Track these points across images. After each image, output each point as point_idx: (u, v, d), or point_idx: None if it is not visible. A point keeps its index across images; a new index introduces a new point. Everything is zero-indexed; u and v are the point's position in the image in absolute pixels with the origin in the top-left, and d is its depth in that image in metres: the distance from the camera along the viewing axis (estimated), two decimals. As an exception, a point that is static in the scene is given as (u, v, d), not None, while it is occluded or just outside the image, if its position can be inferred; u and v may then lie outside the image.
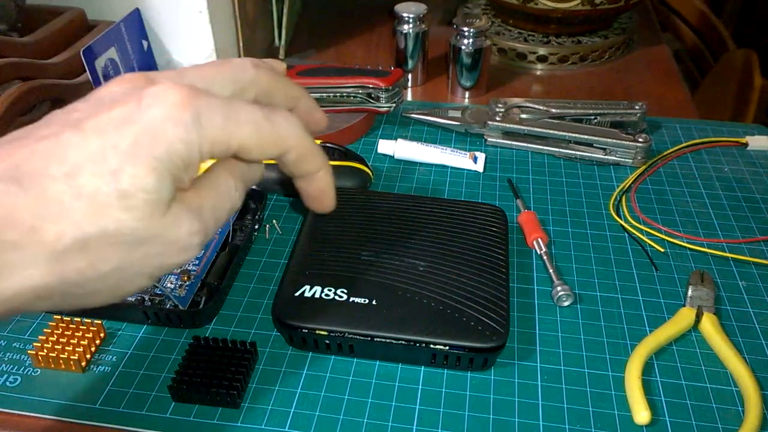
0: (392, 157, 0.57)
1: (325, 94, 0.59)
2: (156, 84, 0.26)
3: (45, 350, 0.38)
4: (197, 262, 0.44)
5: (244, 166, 0.30)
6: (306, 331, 0.38)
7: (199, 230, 0.26)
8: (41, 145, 0.24)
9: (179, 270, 0.44)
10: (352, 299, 0.39)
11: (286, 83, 0.31)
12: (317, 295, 0.39)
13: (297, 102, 0.32)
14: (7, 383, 0.38)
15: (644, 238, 0.48)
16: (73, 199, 0.23)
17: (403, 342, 0.37)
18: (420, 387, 0.38)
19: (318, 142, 0.53)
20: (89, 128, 0.24)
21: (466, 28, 0.64)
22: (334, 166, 0.50)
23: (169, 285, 0.43)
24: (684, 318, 0.41)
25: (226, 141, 0.26)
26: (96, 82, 0.58)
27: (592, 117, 0.59)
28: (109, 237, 0.24)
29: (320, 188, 0.31)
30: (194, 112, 0.25)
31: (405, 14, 0.66)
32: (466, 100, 0.68)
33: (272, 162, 0.29)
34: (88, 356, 0.39)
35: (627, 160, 0.56)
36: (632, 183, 0.54)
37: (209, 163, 0.28)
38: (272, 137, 0.27)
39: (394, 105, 0.60)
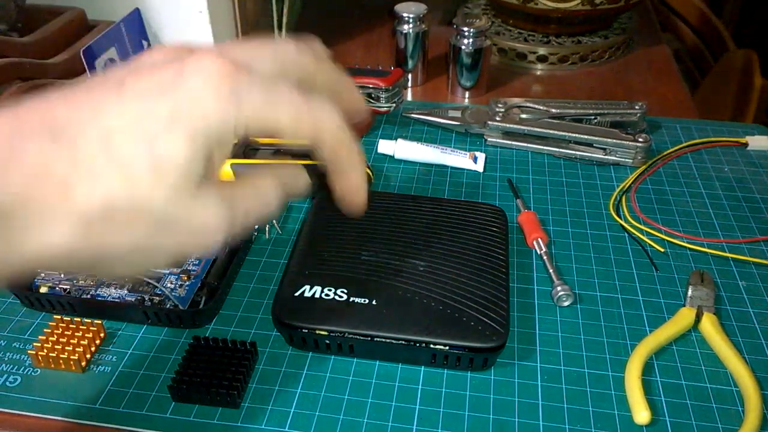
0: (392, 157, 0.57)
1: (325, 94, 0.59)
2: (202, 54, 0.25)
3: (45, 350, 0.38)
4: (197, 262, 0.44)
5: (292, 176, 0.30)
6: (306, 331, 0.38)
7: (226, 222, 0.26)
8: (79, 104, 0.23)
9: (179, 270, 0.44)
10: (352, 299, 0.39)
11: (329, 67, 0.30)
12: (317, 295, 0.39)
13: (338, 86, 0.31)
14: (7, 383, 0.38)
15: (644, 238, 0.48)
16: (106, 163, 0.22)
17: (403, 342, 0.37)
18: (420, 387, 0.38)
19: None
20: (128, 92, 0.24)
21: (466, 28, 0.64)
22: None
23: (169, 285, 0.43)
24: (684, 318, 0.41)
25: (263, 119, 0.25)
26: (96, 82, 0.58)
27: (592, 117, 0.59)
28: (137, 208, 0.23)
29: (352, 186, 0.30)
30: (234, 86, 0.24)
31: (405, 14, 0.66)
32: (466, 100, 0.68)
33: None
34: (88, 356, 0.39)
35: (627, 160, 0.56)
36: (632, 183, 0.54)
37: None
38: (309, 121, 0.27)
39: (394, 105, 0.60)
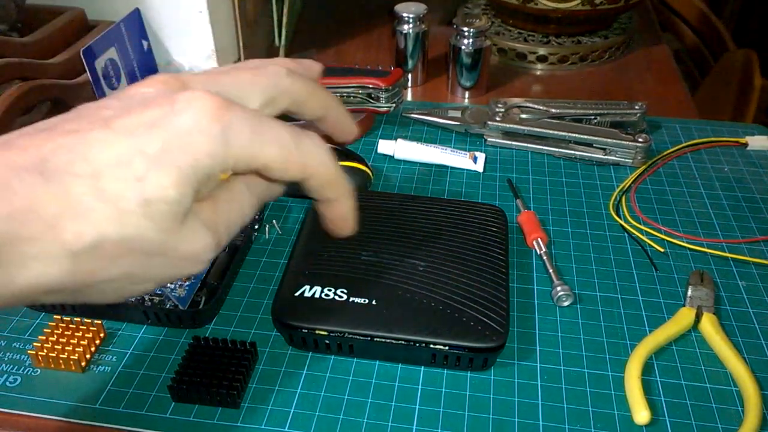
0: (392, 157, 0.57)
1: (325, 94, 0.59)
2: (189, 89, 0.25)
3: (45, 350, 0.38)
4: (197, 262, 0.44)
5: (264, 185, 0.30)
6: (306, 331, 0.38)
7: (213, 246, 0.26)
8: (69, 140, 0.23)
9: (179, 270, 0.44)
10: (352, 299, 0.39)
11: (318, 92, 0.31)
12: (317, 295, 0.39)
13: (327, 111, 0.31)
14: (7, 383, 0.38)
15: (644, 238, 0.48)
16: (96, 201, 0.23)
17: (403, 342, 0.37)
18: (420, 387, 0.38)
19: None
20: (118, 127, 0.24)
21: (466, 28, 0.64)
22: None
23: (169, 285, 0.43)
24: (684, 318, 0.41)
25: (250, 159, 0.25)
26: (96, 82, 0.58)
27: (592, 117, 0.59)
28: (126, 243, 0.23)
29: (340, 215, 0.31)
30: (224, 125, 0.24)
31: (405, 14, 0.66)
32: (466, 100, 0.68)
33: None
34: (88, 356, 0.39)
35: (627, 160, 0.56)
36: (632, 183, 0.54)
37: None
38: (297, 161, 0.27)
39: (394, 105, 0.60)
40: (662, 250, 0.47)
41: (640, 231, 0.49)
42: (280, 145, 0.26)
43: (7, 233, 0.22)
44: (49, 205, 0.22)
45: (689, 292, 0.43)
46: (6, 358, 0.39)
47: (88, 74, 0.57)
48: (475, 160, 0.56)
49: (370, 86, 0.58)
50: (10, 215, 0.22)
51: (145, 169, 0.23)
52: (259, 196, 0.30)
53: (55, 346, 0.38)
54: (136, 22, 0.64)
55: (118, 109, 0.25)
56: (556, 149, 0.58)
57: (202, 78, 0.27)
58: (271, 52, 0.77)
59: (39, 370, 0.39)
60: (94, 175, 0.23)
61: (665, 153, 0.58)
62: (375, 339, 0.37)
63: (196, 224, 0.25)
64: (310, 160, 0.27)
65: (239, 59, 0.71)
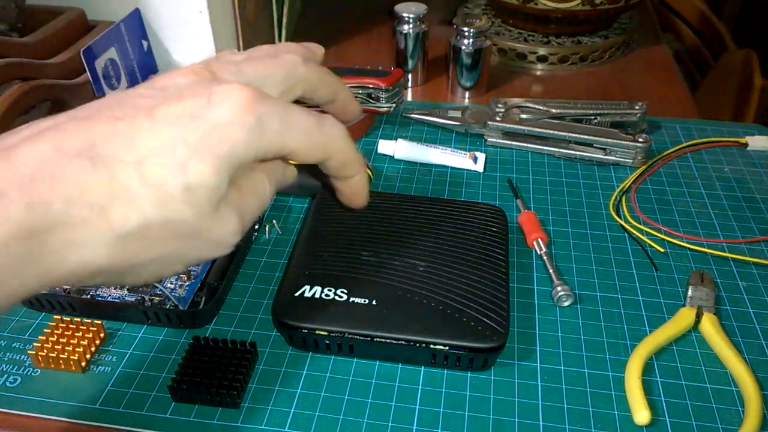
0: (392, 157, 0.57)
1: (325, 94, 0.59)
2: (222, 81, 0.27)
3: (45, 350, 0.38)
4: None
5: (281, 170, 0.31)
6: (306, 331, 0.38)
7: (240, 230, 0.28)
8: (116, 127, 0.25)
9: (179, 270, 0.44)
10: (352, 299, 0.39)
11: (329, 77, 0.33)
12: (317, 295, 0.39)
13: (337, 95, 0.33)
14: (7, 383, 0.38)
15: (644, 238, 0.48)
16: (141, 186, 0.24)
17: (403, 342, 0.37)
18: (420, 387, 0.38)
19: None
20: (161, 117, 0.25)
21: (466, 28, 0.64)
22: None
23: (169, 285, 0.43)
24: (684, 318, 0.41)
25: (280, 146, 0.27)
26: (96, 82, 0.58)
27: (592, 117, 0.59)
28: (168, 226, 0.25)
29: (356, 190, 0.33)
30: (258, 116, 0.26)
31: (405, 14, 0.66)
32: (466, 100, 0.68)
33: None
34: (88, 356, 0.39)
35: (627, 160, 0.56)
36: (632, 183, 0.54)
37: None
38: (321, 144, 0.29)
39: (394, 105, 0.60)
40: (662, 250, 0.47)
41: (641, 231, 0.49)
42: (306, 131, 0.28)
43: (59, 218, 0.23)
44: (98, 190, 0.23)
45: (689, 292, 0.43)
46: (6, 358, 0.39)
47: (88, 74, 0.57)
48: (475, 160, 0.56)
49: (370, 86, 0.58)
50: (61, 199, 0.23)
51: (186, 157, 0.24)
52: (276, 183, 0.31)
53: (55, 346, 0.38)
54: (136, 22, 0.64)
55: (156, 98, 0.26)
56: (557, 149, 0.58)
57: (229, 68, 0.29)
58: (271, 52, 0.77)
59: (39, 370, 0.39)
60: (140, 161, 0.24)
61: (665, 153, 0.58)
62: (375, 339, 0.37)
63: (228, 209, 0.27)
64: (331, 143, 0.29)
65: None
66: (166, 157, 0.24)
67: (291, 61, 0.31)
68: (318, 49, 0.36)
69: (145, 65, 0.66)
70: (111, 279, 0.26)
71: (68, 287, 0.42)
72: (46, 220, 0.22)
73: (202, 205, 0.25)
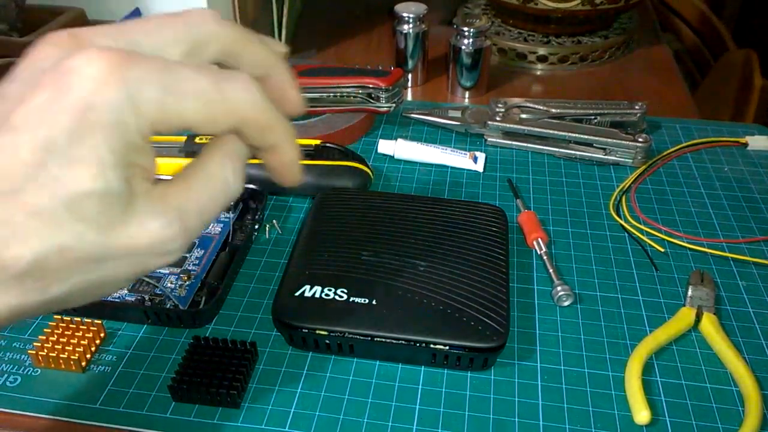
0: (392, 157, 0.57)
1: (325, 94, 0.59)
2: (81, 51, 0.21)
3: (45, 350, 0.38)
4: (197, 262, 0.44)
5: (239, 144, 0.26)
6: (306, 331, 0.38)
7: (179, 234, 0.23)
8: None
9: (179, 270, 0.44)
10: (352, 299, 0.39)
11: (257, 45, 0.26)
12: (317, 295, 0.39)
13: (268, 71, 0.27)
14: (7, 383, 0.38)
15: (644, 238, 0.48)
16: (25, 218, 0.21)
17: (403, 342, 0.37)
18: (420, 387, 0.38)
19: (318, 142, 0.53)
20: (18, 124, 0.21)
21: (466, 28, 0.64)
22: (334, 166, 0.51)
23: (169, 285, 0.43)
24: (684, 318, 0.41)
25: (168, 118, 0.22)
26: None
27: (592, 117, 0.59)
28: (68, 252, 0.21)
29: (284, 162, 0.27)
30: (125, 87, 0.21)
31: (405, 14, 0.66)
32: (466, 100, 0.68)
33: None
34: (88, 356, 0.39)
35: (627, 160, 0.56)
36: (632, 183, 0.54)
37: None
38: (223, 110, 0.23)
39: (394, 105, 0.60)
40: (662, 250, 0.47)
41: (641, 231, 0.49)
42: (200, 93, 0.22)
43: None
44: None
45: (689, 292, 0.43)
46: (6, 358, 0.39)
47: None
48: (475, 160, 0.56)
49: (370, 86, 0.58)
50: None
51: (58, 168, 0.20)
52: (240, 156, 0.26)
53: (55, 346, 0.38)
54: (136, 22, 0.64)
55: (15, 98, 0.22)
56: (557, 149, 0.58)
57: (105, 31, 0.23)
58: (271, 52, 0.77)
59: (39, 370, 0.39)
60: (12, 190, 0.20)
61: (665, 153, 0.58)
62: (375, 339, 0.37)
63: (146, 214, 0.22)
64: (238, 105, 0.24)
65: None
66: (37, 175, 0.20)
67: (198, 15, 0.25)
68: (276, 45, 0.29)
69: (145, 65, 0.66)
70: (39, 311, 0.23)
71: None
72: None
73: (98, 218, 0.21)
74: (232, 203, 0.49)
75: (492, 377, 0.38)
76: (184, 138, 0.53)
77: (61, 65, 0.21)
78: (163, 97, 0.22)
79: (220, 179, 0.25)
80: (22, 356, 0.40)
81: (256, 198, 0.49)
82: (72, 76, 0.21)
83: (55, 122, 0.21)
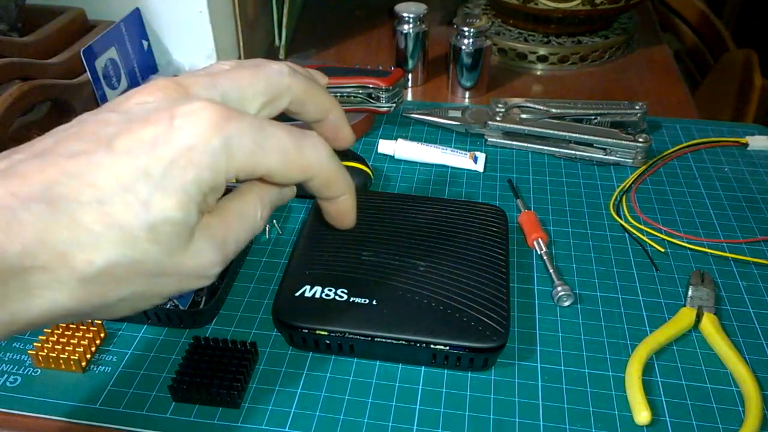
0: (392, 157, 0.57)
1: (325, 94, 0.59)
2: (189, 99, 0.25)
3: (45, 350, 0.38)
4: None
5: (275, 192, 0.30)
6: (306, 331, 0.38)
7: (219, 261, 0.26)
8: (72, 165, 0.23)
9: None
10: (352, 299, 0.39)
11: (319, 93, 0.30)
12: (317, 295, 0.39)
13: (328, 114, 0.31)
14: (7, 383, 0.38)
15: (644, 238, 0.48)
16: (104, 228, 0.23)
17: (404, 342, 0.37)
18: (420, 387, 0.38)
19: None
20: (121, 148, 0.24)
21: (466, 28, 0.64)
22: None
23: (169, 285, 0.43)
24: (684, 318, 0.41)
25: (254, 167, 0.26)
26: (96, 82, 0.58)
27: (593, 117, 0.59)
28: (135, 267, 0.24)
29: (342, 211, 0.31)
30: (225, 136, 0.24)
31: (405, 14, 0.66)
32: (467, 100, 0.68)
33: None
34: (88, 356, 0.39)
35: (627, 160, 0.56)
36: (632, 183, 0.54)
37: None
38: (299, 165, 0.27)
39: (394, 105, 0.60)
40: (663, 250, 0.47)
41: (641, 231, 0.49)
42: (282, 150, 0.26)
43: (21, 265, 0.22)
44: (59, 234, 0.22)
45: (690, 292, 0.43)
46: (6, 358, 0.39)
47: (88, 74, 0.57)
48: (475, 160, 0.56)
49: (371, 86, 0.58)
50: (20, 245, 0.22)
51: (149, 193, 0.23)
52: (271, 204, 0.30)
53: (56, 346, 0.38)
54: (136, 22, 0.64)
55: (119, 125, 0.24)
56: (557, 149, 0.58)
57: (202, 81, 0.27)
58: (271, 52, 0.77)
59: (39, 370, 0.39)
60: (101, 201, 0.23)
61: (665, 153, 0.58)
62: (375, 339, 0.37)
63: (202, 242, 0.26)
64: (312, 163, 0.27)
65: (240, 59, 0.71)
66: (127, 194, 0.23)
67: (275, 71, 0.29)
68: (320, 77, 0.33)
69: (145, 65, 0.66)
70: (81, 318, 0.25)
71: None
72: (6, 266, 0.22)
73: (169, 242, 0.24)
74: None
75: (492, 377, 0.38)
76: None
77: (174, 109, 0.24)
78: (253, 150, 0.25)
79: (253, 219, 0.29)
80: (22, 356, 0.40)
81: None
82: (183, 120, 0.24)
83: (157, 154, 0.23)
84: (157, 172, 0.23)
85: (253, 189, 0.29)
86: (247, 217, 0.28)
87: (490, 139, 0.59)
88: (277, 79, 0.28)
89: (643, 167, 0.56)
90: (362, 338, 0.37)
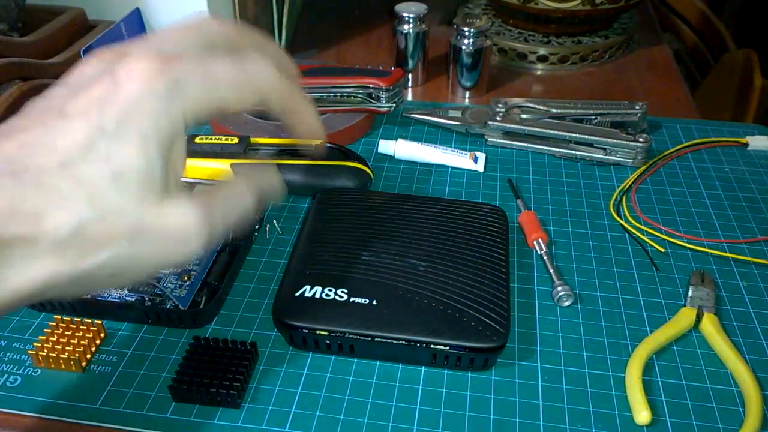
0: (392, 157, 0.57)
1: (325, 94, 0.59)
2: (127, 57, 0.25)
3: (45, 350, 0.38)
4: (197, 262, 0.44)
5: (266, 178, 0.31)
6: (306, 331, 0.38)
7: (202, 227, 0.26)
8: (29, 136, 0.24)
9: (179, 270, 0.44)
10: (352, 299, 0.39)
11: (252, 35, 0.31)
12: (317, 295, 0.39)
13: (263, 48, 0.31)
14: (7, 383, 0.38)
15: (645, 238, 0.48)
16: (71, 188, 0.23)
17: (404, 342, 0.37)
18: (420, 387, 0.38)
19: (318, 142, 0.53)
20: (72, 112, 0.24)
21: (466, 28, 0.64)
22: (334, 166, 0.51)
23: (169, 285, 0.43)
24: (684, 318, 0.41)
25: (207, 101, 0.26)
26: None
27: (593, 117, 0.59)
28: (107, 222, 0.24)
29: (306, 121, 0.31)
30: (170, 78, 0.25)
31: (405, 14, 0.66)
32: (467, 100, 0.68)
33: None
34: (88, 356, 0.39)
35: (627, 160, 0.56)
36: (632, 183, 0.54)
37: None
38: (251, 87, 0.27)
39: (394, 105, 0.60)
40: (663, 250, 0.47)
41: (641, 231, 0.49)
42: (229, 76, 0.26)
43: None
44: (28, 202, 0.23)
45: (690, 292, 0.43)
46: (6, 358, 0.39)
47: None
48: (475, 160, 0.56)
49: (371, 86, 0.58)
50: None
51: (107, 146, 0.24)
52: (259, 189, 0.30)
53: (56, 346, 0.38)
54: (136, 22, 0.64)
55: (64, 96, 0.25)
56: (557, 149, 0.58)
57: (137, 42, 0.27)
58: (271, 52, 0.77)
59: (39, 370, 0.39)
60: (63, 163, 0.23)
61: (666, 153, 0.58)
62: (375, 339, 0.37)
63: (180, 200, 0.26)
64: (260, 78, 0.28)
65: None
66: (88, 151, 0.24)
67: (205, 19, 0.29)
68: (293, 68, 0.33)
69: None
70: (68, 290, 0.25)
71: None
72: None
73: (137, 190, 0.24)
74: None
75: (492, 377, 0.38)
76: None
77: (113, 67, 0.25)
78: (202, 84, 0.25)
79: (241, 199, 0.29)
80: (22, 356, 0.40)
81: (257, 198, 0.49)
82: (125, 74, 0.24)
83: (108, 110, 0.24)
84: (111, 126, 0.24)
85: (240, 176, 0.30)
86: (235, 196, 0.29)
87: (490, 139, 0.59)
88: (207, 25, 0.29)
89: (643, 167, 0.56)
90: (362, 338, 0.37)
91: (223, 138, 0.51)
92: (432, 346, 0.37)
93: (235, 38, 0.30)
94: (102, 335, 0.40)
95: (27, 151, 0.23)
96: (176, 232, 0.25)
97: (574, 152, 0.57)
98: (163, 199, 0.25)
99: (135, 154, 0.24)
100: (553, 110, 0.58)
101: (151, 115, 0.24)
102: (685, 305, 0.42)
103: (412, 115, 0.61)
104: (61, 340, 0.39)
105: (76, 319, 0.40)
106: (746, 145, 0.59)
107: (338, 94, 0.59)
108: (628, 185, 0.54)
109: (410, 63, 0.69)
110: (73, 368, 0.38)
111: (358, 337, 0.37)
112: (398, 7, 0.67)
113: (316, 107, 0.32)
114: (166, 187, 0.25)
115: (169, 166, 0.26)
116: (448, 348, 0.37)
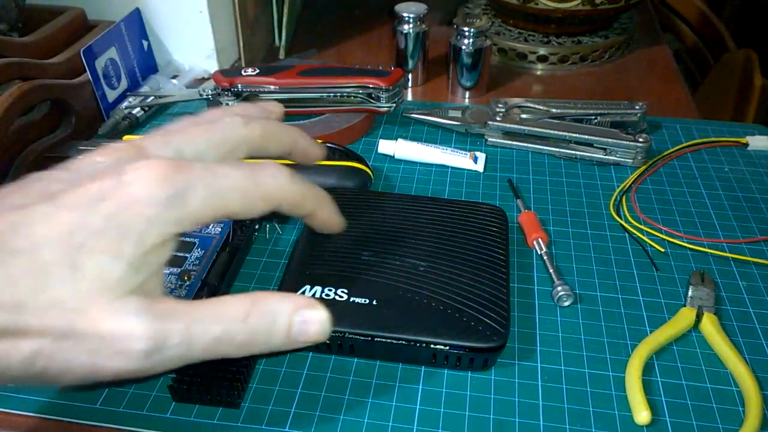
0: (392, 157, 0.57)
1: (325, 94, 0.59)
2: (141, 157, 0.25)
3: (45, 350, 0.38)
4: (197, 262, 0.44)
5: (267, 312, 0.28)
6: (306, 331, 0.38)
7: (148, 336, 0.24)
8: (12, 216, 0.23)
9: (179, 270, 0.44)
10: (352, 299, 0.39)
11: (278, 132, 0.31)
12: (317, 295, 0.39)
13: (293, 146, 0.32)
14: (7, 383, 0.38)
15: (644, 238, 0.48)
16: (23, 271, 0.22)
17: (404, 342, 0.37)
18: (420, 387, 0.38)
19: (318, 141, 0.53)
20: (62, 202, 0.24)
21: (466, 28, 0.64)
22: (334, 167, 0.51)
23: (169, 285, 0.43)
24: (684, 318, 0.41)
25: (212, 211, 0.26)
26: (96, 82, 0.58)
27: (593, 117, 0.59)
28: (42, 311, 0.23)
29: (323, 221, 0.32)
30: (174, 189, 0.24)
31: (405, 14, 0.66)
32: (467, 100, 0.68)
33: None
34: (88, 356, 0.39)
35: (627, 160, 0.56)
36: (632, 183, 0.54)
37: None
38: (261, 198, 0.28)
39: (394, 105, 0.60)
40: (663, 250, 0.47)
41: (641, 231, 0.49)
42: (239, 189, 0.26)
43: None
44: None
45: (690, 292, 0.43)
46: (6, 358, 0.39)
47: (88, 74, 0.57)
48: (475, 160, 0.56)
49: (371, 86, 0.58)
50: None
51: (85, 238, 0.23)
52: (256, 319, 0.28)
53: (55, 346, 0.38)
54: (136, 22, 0.64)
55: (66, 183, 0.25)
56: (557, 149, 0.58)
57: (156, 140, 0.27)
58: (271, 52, 0.77)
59: (39, 370, 0.39)
60: (33, 249, 0.23)
61: (666, 153, 0.58)
62: (375, 339, 0.37)
63: (132, 305, 0.24)
64: (273, 192, 0.28)
65: (239, 59, 0.71)
66: (62, 241, 0.23)
67: (229, 124, 0.29)
68: (275, 108, 0.34)
69: (145, 65, 0.66)
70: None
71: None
72: None
73: (90, 286, 0.23)
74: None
75: (492, 377, 0.38)
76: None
77: (123, 166, 0.25)
78: (207, 195, 0.25)
79: (234, 319, 0.26)
80: (22, 356, 0.39)
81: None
82: (133, 174, 0.24)
83: (99, 208, 0.24)
84: (98, 221, 0.23)
85: (249, 295, 0.28)
86: (226, 314, 0.26)
87: (490, 139, 0.59)
88: (231, 131, 0.29)
89: (643, 167, 0.56)
90: (362, 338, 0.37)
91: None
92: (432, 346, 0.37)
93: (262, 143, 0.30)
94: (102, 335, 0.40)
95: (9, 230, 0.23)
96: (112, 342, 0.23)
97: (574, 152, 0.57)
98: (115, 301, 0.23)
99: (108, 250, 0.23)
100: (553, 110, 0.58)
101: (142, 218, 0.24)
102: (685, 305, 0.42)
103: (412, 115, 0.61)
104: (61, 340, 0.39)
105: (76, 319, 0.40)
106: (746, 145, 0.59)
107: (338, 94, 0.59)
108: (628, 185, 0.54)
109: (410, 63, 0.69)
110: (73, 368, 0.38)
111: (358, 337, 0.37)
112: (398, 7, 0.67)
113: (332, 201, 0.32)
114: (133, 290, 0.24)
115: (147, 268, 0.25)
116: (448, 348, 0.37)
